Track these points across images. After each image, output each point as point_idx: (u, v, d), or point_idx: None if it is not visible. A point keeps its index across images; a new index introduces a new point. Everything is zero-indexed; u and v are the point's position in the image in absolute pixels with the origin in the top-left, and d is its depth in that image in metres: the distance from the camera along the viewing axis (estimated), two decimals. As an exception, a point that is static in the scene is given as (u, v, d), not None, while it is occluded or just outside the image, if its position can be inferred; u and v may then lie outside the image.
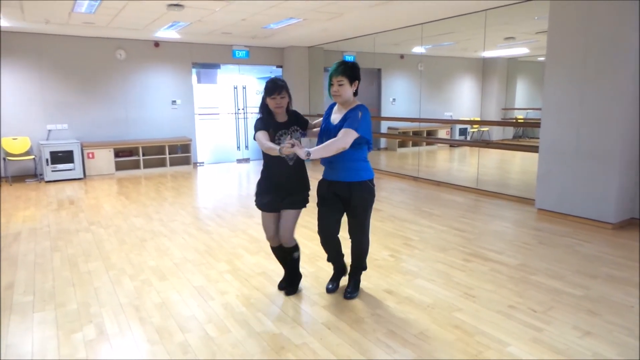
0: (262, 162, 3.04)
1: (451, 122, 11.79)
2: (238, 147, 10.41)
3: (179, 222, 5.12)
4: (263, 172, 3.03)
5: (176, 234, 4.67)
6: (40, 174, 7.92)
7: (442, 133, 11.78)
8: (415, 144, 11.17)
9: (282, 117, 2.96)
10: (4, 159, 7.66)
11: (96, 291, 3.28)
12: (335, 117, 2.89)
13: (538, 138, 5.32)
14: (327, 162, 2.92)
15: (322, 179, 3.01)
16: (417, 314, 2.87)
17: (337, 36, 8.72)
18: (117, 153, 8.50)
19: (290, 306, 3.02)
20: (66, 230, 4.85)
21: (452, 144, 11.67)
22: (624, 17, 4.35)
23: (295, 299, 3.11)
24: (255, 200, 3.05)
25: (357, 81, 2.82)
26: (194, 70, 9.53)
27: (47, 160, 7.67)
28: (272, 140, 2.83)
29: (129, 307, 3.02)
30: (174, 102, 9.26)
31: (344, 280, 3.26)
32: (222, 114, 10.25)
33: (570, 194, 4.95)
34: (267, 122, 2.90)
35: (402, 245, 4.24)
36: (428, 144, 11.44)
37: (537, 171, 5.30)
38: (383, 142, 11.36)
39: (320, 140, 2.91)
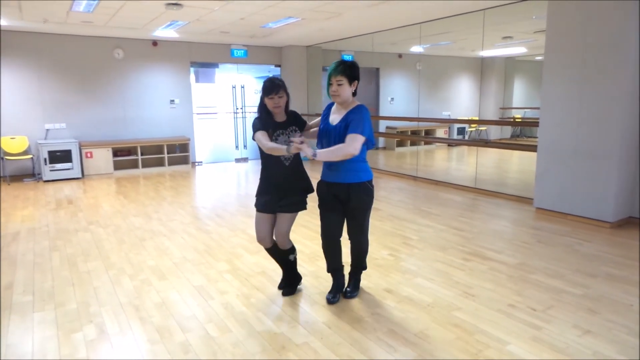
0: (259, 162, 3.03)
1: (449, 122, 11.81)
2: (236, 147, 10.40)
3: (178, 222, 5.12)
4: (262, 173, 3.01)
5: (175, 234, 4.67)
6: (39, 174, 7.90)
7: (440, 132, 11.79)
8: (413, 143, 11.19)
9: (280, 117, 2.92)
10: (2, 158, 7.63)
11: (96, 291, 3.28)
12: (334, 118, 2.84)
13: (536, 137, 5.33)
14: (327, 163, 2.88)
15: (320, 181, 2.98)
16: (417, 313, 2.88)
17: (335, 35, 8.72)
18: (116, 152, 8.48)
19: (290, 306, 3.02)
20: (65, 230, 4.84)
21: (450, 143, 11.69)
22: (623, 16, 4.36)
23: (295, 299, 3.12)
24: (255, 201, 3.04)
25: (356, 81, 2.78)
26: (192, 70, 9.52)
27: (45, 159, 7.65)
28: (270, 140, 2.81)
29: (129, 306, 3.02)
30: (172, 101, 9.25)
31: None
32: (220, 113, 10.24)
33: (569, 193, 4.96)
34: (265, 122, 2.87)
35: (402, 244, 4.24)
36: (426, 143, 11.45)
37: (536, 170, 5.31)
38: (381, 141, 11.37)
39: (320, 142, 2.89)
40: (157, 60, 8.98)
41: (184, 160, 9.26)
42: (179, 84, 9.28)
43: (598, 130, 4.65)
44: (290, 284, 3.22)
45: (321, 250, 3.09)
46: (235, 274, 3.57)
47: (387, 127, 11.14)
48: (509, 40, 9.04)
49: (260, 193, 3.00)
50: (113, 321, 2.82)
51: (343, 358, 2.39)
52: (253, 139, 2.87)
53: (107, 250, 4.19)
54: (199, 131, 9.82)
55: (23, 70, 7.76)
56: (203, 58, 9.48)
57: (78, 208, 5.84)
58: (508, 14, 6.65)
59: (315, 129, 3.08)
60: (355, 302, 3.04)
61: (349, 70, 2.73)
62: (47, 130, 8.07)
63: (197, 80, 10.15)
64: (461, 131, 11.86)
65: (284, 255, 3.10)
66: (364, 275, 3.31)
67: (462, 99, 12.13)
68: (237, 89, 10.17)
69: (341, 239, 3.02)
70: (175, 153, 9.17)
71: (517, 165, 9.13)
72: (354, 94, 2.81)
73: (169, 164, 9.03)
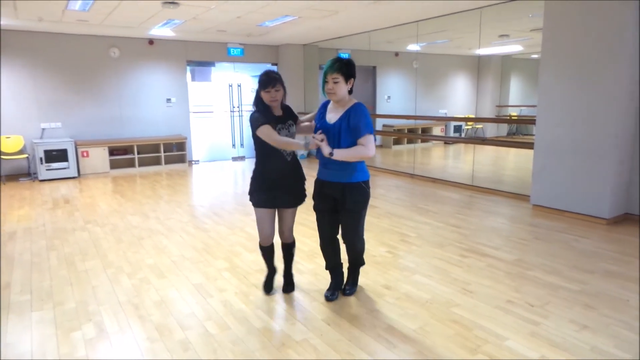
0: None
1: (446, 119, 11.84)
2: (233, 145, 10.39)
3: (175, 220, 5.11)
4: (258, 169, 2.92)
5: (173, 232, 4.66)
6: (34, 173, 7.87)
7: (437, 130, 11.82)
8: (410, 141, 11.21)
9: (278, 111, 2.87)
10: (-2, 158, 7.60)
11: (94, 290, 3.27)
12: (332, 116, 2.78)
13: (532, 135, 5.36)
14: (322, 161, 2.84)
15: (316, 179, 2.93)
16: (415, 310, 2.89)
17: (332, 34, 8.72)
18: (112, 151, 8.45)
19: (289, 303, 3.03)
20: (62, 229, 4.82)
21: (447, 141, 11.71)
22: (620, 15, 4.38)
23: (294, 296, 3.12)
24: (252, 198, 2.96)
25: (352, 78, 2.72)
26: (188, 68, 9.49)
27: (41, 159, 7.61)
28: None
29: (128, 305, 3.01)
30: (168, 100, 9.23)
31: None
32: (217, 112, 10.22)
33: (565, 190, 4.99)
34: (267, 116, 2.78)
35: (399, 241, 4.26)
36: (423, 141, 11.47)
37: (533, 167, 5.34)
38: (378, 139, 11.37)
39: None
40: (154, 59, 8.95)
41: (181, 159, 9.24)
42: (175, 83, 9.26)
43: (594, 128, 4.68)
44: (290, 281, 3.21)
45: (319, 248, 3.09)
46: (233, 271, 3.58)
47: (384, 125, 11.15)
48: (506, 39, 9.07)
49: (258, 189, 2.92)
50: (112, 320, 2.81)
51: (342, 354, 2.40)
52: (255, 134, 2.77)
53: (105, 249, 4.18)
54: (196, 130, 9.79)
55: (18, 69, 7.72)
56: (199, 57, 9.46)
57: (75, 207, 5.83)
58: (504, 13, 6.67)
59: (307, 123, 3.04)
60: (354, 299, 3.05)
61: (345, 67, 2.67)
62: (43, 129, 8.03)
63: (193, 79, 10.12)
64: (458, 129, 11.89)
65: (290, 250, 3.12)
66: (362, 272, 3.32)
67: (458, 97, 12.17)
68: (234, 88, 10.15)
69: (338, 236, 3.03)
70: (172, 152, 9.15)
71: (514, 163, 9.17)
72: (350, 91, 2.76)
73: (166, 163, 9.01)
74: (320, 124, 2.83)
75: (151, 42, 8.83)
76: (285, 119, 2.90)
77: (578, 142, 4.83)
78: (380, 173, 8.15)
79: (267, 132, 2.71)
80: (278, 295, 3.14)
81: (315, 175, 2.96)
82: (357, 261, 3.10)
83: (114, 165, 8.46)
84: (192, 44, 9.26)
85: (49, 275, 3.56)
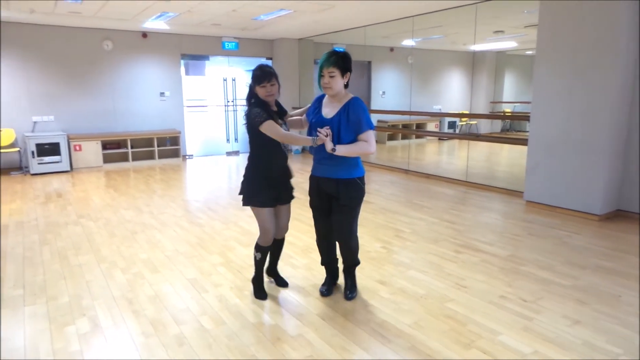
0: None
1: (440, 115, 11.85)
2: (227, 140, 10.35)
3: (169, 215, 5.09)
4: (258, 167, 2.82)
5: (167, 227, 4.64)
6: (26, 167, 7.79)
7: (431, 126, 11.83)
8: (404, 137, 11.22)
9: (273, 107, 2.81)
10: (-11, 151, 7.52)
11: (88, 284, 3.26)
12: (328, 111, 2.73)
13: (525, 131, 5.39)
14: (317, 157, 2.80)
15: (311, 176, 2.89)
16: (410, 305, 2.90)
17: (327, 28, 8.68)
18: (105, 145, 8.39)
19: (284, 297, 3.03)
20: (55, 223, 4.79)
21: (441, 137, 11.74)
22: (614, 12, 4.40)
23: (288, 291, 3.12)
24: (255, 199, 2.82)
25: (348, 72, 2.67)
26: (182, 62, 9.42)
27: (32, 152, 7.54)
28: None
29: (122, 299, 3.00)
30: (162, 93, 9.16)
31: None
32: (211, 106, 10.16)
33: (558, 186, 5.02)
34: (269, 111, 2.70)
35: (394, 237, 4.27)
36: (417, 137, 11.48)
37: (526, 163, 5.37)
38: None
39: (312, 135, 2.76)
40: (147, 52, 8.87)
41: (175, 154, 9.19)
42: (169, 77, 9.19)
43: (588, 125, 4.71)
44: (277, 274, 3.23)
45: (314, 243, 3.09)
46: (228, 266, 3.57)
47: (379, 121, 11.14)
48: (500, 35, 9.08)
49: (262, 188, 2.81)
50: (106, 314, 2.80)
51: (337, 349, 2.41)
52: (255, 129, 2.67)
53: (98, 243, 4.15)
54: (190, 124, 9.74)
55: (8, 62, 7.61)
56: (194, 50, 9.39)
57: (67, 201, 5.78)
58: (499, 8, 6.68)
59: (296, 118, 2.99)
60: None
61: (341, 61, 2.62)
62: (35, 122, 7.95)
63: (187, 73, 10.06)
64: (452, 125, 11.91)
65: (282, 245, 3.12)
66: (357, 268, 3.32)
67: (453, 93, 12.18)
68: (228, 82, 10.10)
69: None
70: (166, 146, 9.09)
71: (507, 159, 9.21)
72: (346, 85, 2.71)
73: (160, 157, 8.96)
74: (316, 118, 2.77)
75: (145, 35, 8.74)
76: (280, 115, 2.86)
77: (571, 139, 4.85)
78: (375, 169, 8.15)
79: (272, 127, 2.62)
80: (273, 290, 3.14)
81: (310, 171, 2.93)
82: (351, 261, 2.99)
83: (107, 159, 8.40)
84: (186, 37, 9.19)
85: (42, 269, 3.54)
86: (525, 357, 2.33)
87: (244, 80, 10.22)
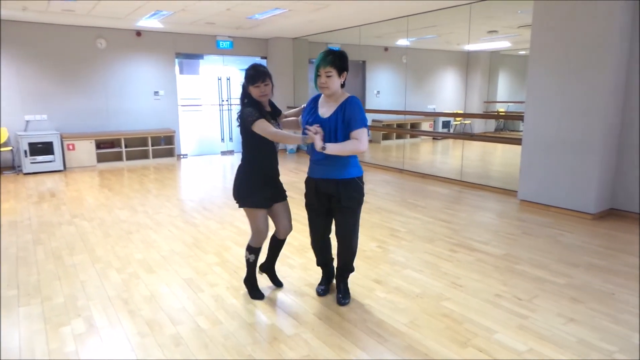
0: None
1: (435, 115, 11.89)
2: (222, 139, 10.32)
3: (164, 215, 5.07)
4: (253, 167, 2.80)
5: (162, 227, 4.62)
6: (19, 166, 7.73)
7: (426, 126, 11.87)
8: (399, 137, 11.24)
9: (266, 107, 2.79)
10: (-19, 150, 7.45)
11: (83, 284, 3.24)
12: (325, 111, 2.70)
13: (519, 131, 5.42)
14: (314, 158, 2.76)
15: (308, 178, 2.84)
16: (406, 304, 2.91)
17: (322, 28, 8.68)
18: (99, 144, 8.34)
19: (280, 297, 3.03)
20: (48, 223, 4.75)
21: (436, 136, 11.78)
22: (607, 13, 4.44)
23: (285, 291, 3.12)
24: (250, 200, 2.79)
25: (345, 72, 2.65)
26: (176, 61, 9.38)
27: (25, 151, 7.48)
28: None
29: (117, 300, 2.99)
30: (156, 92, 9.12)
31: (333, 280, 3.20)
32: (205, 105, 10.13)
33: (552, 185, 5.06)
34: (261, 111, 2.69)
35: (389, 236, 4.28)
36: (412, 136, 11.52)
37: (520, 163, 5.40)
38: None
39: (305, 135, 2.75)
40: (141, 51, 8.82)
41: (169, 153, 9.15)
42: (163, 75, 9.15)
43: (581, 124, 4.75)
44: (274, 273, 3.18)
45: (309, 244, 3.07)
46: (224, 266, 3.56)
47: (373, 120, 11.16)
48: (494, 35, 9.12)
49: (256, 189, 2.79)
50: (102, 315, 2.79)
51: (334, 348, 2.41)
52: (248, 129, 2.66)
53: (93, 243, 4.13)
54: (184, 123, 9.70)
55: (1, 60, 7.54)
56: (188, 49, 9.36)
57: (61, 201, 5.74)
58: (493, 9, 6.71)
59: (291, 118, 2.98)
60: (345, 294, 3.06)
61: (338, 61, 2.59)
62: (27, 121, 7.88)
63: (181, 72, 10.01)
64: (446, 124, 11.95)
65: (283, 244, 3.08)
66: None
67: (447, 93, 12.22)
68: (223, 81, 10.07)
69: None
70: (160, 145, 9.05)
71: (501, 158, 9.27)
72: (343, 85, 2.69)
73: (154, 157, 8.92)
74: (313, 118, 2.74)
75: (139, 33, 8.70)
76: (274, 115, 2.84)
77: (565, 138, 4.89)
78: (370, 168, 8.17)
79: (264, 126, 2.60)
80: (269, 290, 3.13)
81: (305, 170, 2.90)
82: (347, 266, 2.95)
83: (100, 158, 8.35)
84: (180, 36, 9.15)
85: (36, 269, 3.51)
86: (520, 354, 2.34)
87: (239, 80, 10.19)
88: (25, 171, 7.54)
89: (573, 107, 4.79)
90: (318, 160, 2.73)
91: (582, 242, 4.07)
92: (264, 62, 10.32)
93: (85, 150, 8.11)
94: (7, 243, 4.14)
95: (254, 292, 3.02)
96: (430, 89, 11.89)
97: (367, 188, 6.45)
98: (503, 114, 11.05)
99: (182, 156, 9.54)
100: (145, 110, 9.04)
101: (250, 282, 3.05)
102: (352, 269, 3.01)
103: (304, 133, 2.76)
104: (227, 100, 10.20)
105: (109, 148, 8.52)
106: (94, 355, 2.37)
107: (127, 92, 8.80)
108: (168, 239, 4.25)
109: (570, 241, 4.10)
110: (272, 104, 2.88)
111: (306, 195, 2.90)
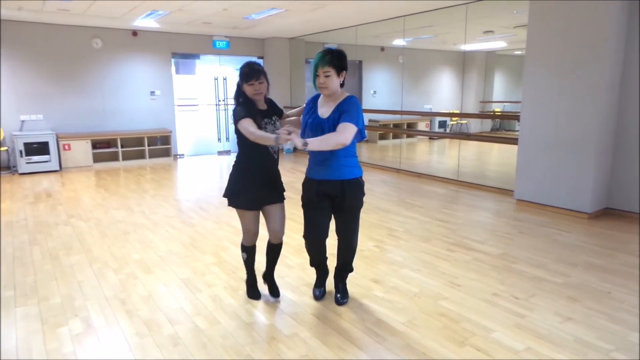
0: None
1: (431, 115, 11.91)
2: (219, 139, 10.30)
3: (161, 215, 5.06)
4: (242, 166, 2.76)
5: (159, 227, 4.61)
6: (14, 166, 7.69)
7: (422, 125, 11.89)
8: (395, 136, 11.26)
9: (262, 105, 2.74)
10: (-24, 150, 7.41)
11: (80, 285, 3.23)
12: (324, 111, 2.67)
13: (514, 131, 5.44)
14: (315, 159, 2.72)
15: (307, 179, 2.77)
16: (404, 303, 2.92)
17: (318, 28, 8.69)
18: (95, 144, 8.30)
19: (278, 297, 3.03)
20: (45, 224, 4.73)
21: (432, 136, 11.80)
22: (602, 13, 4.46)
23: (283, 291, 3.11)
24: (235, 200, 2.78)
25: (344, 71, 2.62)
26: (172, 61, 9.36)
27: (20, 151, 7.44)
28: (259, 129, 2.61)
29: (114, 300, 2.98)
30: (152, 92, 9.09)
31: (331, 281, 3.14)
32: (202, 105, 10.11)
33: (548, 184, 5.08)
34: (250, 109, 2.63)
35: (387, 235, 4.29)
36: (408, 136, 11.54)
37: (517, 162, 5.42)
38: (364, 134, 11.37)
39: (312, 135, 2.67)
40: (137, 51, 8.80)
41: (166, 153, 9.13)
42: (159, 75, 9.12)
43: (577, 124, 4.77)
44: (274, 284, 3.05)
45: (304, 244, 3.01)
46: (222, 266, 3.56)
47: (370, 120, 11.16)
48: (490, 35, 9.15)
49: (243, 190, 2.75)
50: (99, 315, 2.78)
51: (332, 348, 2.41)
52: (236, 128, 2.62)
53: (90, 243, 4.11)
54: (181, 123, 9.68)
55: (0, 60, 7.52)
56: (184, 49, 9.34)
57: (57, 201, 5.72)
58: (489, 9, 6.73)
59: (293, 118, 2.93)
60: (343, 293, 3.06)
61: (336, 60, 2.57)
62: (23, 121, 7.84)
63: (177, 72, 9.98)
64: (443, 124, 11.98)
65: (279, 251, 2.97)
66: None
67: (443, 93, 12.25)
68: (219, 81, 10.05)
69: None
70: (157, 145, 9.03)
71: (497, 158, 9.29)
72: (342, 84, 2.66)
73: (150, 157, 8.89)
74: (313, 118, 2.71)
75: (135, 33, 8.67)
76: (270, 114, 2.78)
77: (561, 137, 4.92)
78: (367, 168, 8.18)
79: (245, 125, 2.54)
80: (266, 291, 3.13)
81: (303, 170, 2.86)
82: (347, 265, 2.95)
83: (97, 158, 8.31)
84: (176, 35, 9.13)
85: (32, 270, 3.50)
86: (518, 353, 2.35)
87: (235, 79, 10.16)
88: (20, 171, 7.50)
89: (569, 106, 4.82)
90: (320, 161, 2.68)
91: (579, 242, 4.09)
92: (260, 62, 10.31)
93: (81, 150, 8.08)
94: (3, 243, 4.12)
95: (251, 292, 3.02)
96: (426, 88, 11.91)
97: (365, 187, 6.46)
98: (499, 113, 11.09)
99: (178, 156, 9.52)
100: (141, 110, 9.01)
101: (249, 282, 3.04)
102: (351, 269, 3.00)
103: (302, 134, 2.75)
104: (223, 100, 10.18)
105: (105, 148, 8.49)
106: (92, 355, 2.36)
107: (123, 92, 8.77)
108: (165, 239, 4.24)
109: (567, 240, 4.12)
110: (272, 103, 2.85)
111: (304, 196, 2.84)
